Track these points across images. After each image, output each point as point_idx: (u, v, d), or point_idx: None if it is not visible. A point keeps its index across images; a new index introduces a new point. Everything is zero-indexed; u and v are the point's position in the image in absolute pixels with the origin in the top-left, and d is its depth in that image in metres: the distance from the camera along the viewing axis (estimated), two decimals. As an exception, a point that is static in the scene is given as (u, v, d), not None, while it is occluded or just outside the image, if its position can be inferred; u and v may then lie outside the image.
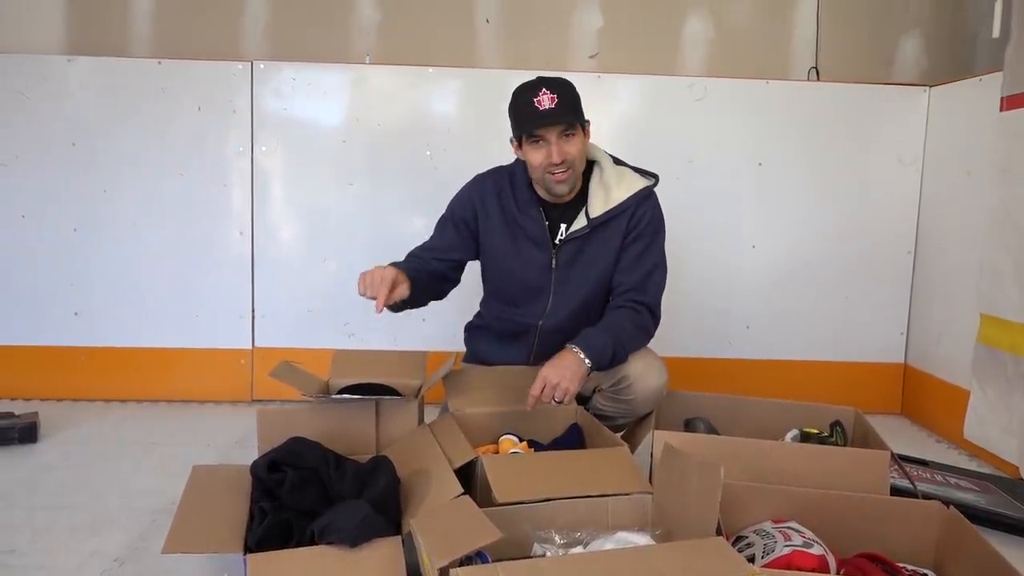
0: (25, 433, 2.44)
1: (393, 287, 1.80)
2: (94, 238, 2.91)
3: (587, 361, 1.88)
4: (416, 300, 1.95)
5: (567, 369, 1.86)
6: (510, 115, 1.96)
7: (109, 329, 2.95)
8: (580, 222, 2.03)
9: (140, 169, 2.90)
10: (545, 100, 1.87)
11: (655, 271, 2.05)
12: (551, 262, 2.05)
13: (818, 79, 3.20)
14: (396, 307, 1.92)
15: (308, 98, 2.93)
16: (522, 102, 1.91)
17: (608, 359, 1.93)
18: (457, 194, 2.17)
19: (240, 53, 3.10)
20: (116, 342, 2.95)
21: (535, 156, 1.94)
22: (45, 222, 2.90)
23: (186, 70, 2.89)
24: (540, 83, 1.90)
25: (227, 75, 2.90)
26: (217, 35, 3.12)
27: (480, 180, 2.15)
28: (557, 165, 1.92)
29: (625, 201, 2.01)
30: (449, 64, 3.00)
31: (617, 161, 2.09)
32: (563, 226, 2.05)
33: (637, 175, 2.06)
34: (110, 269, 2.93)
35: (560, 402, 1.85)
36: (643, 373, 2.00)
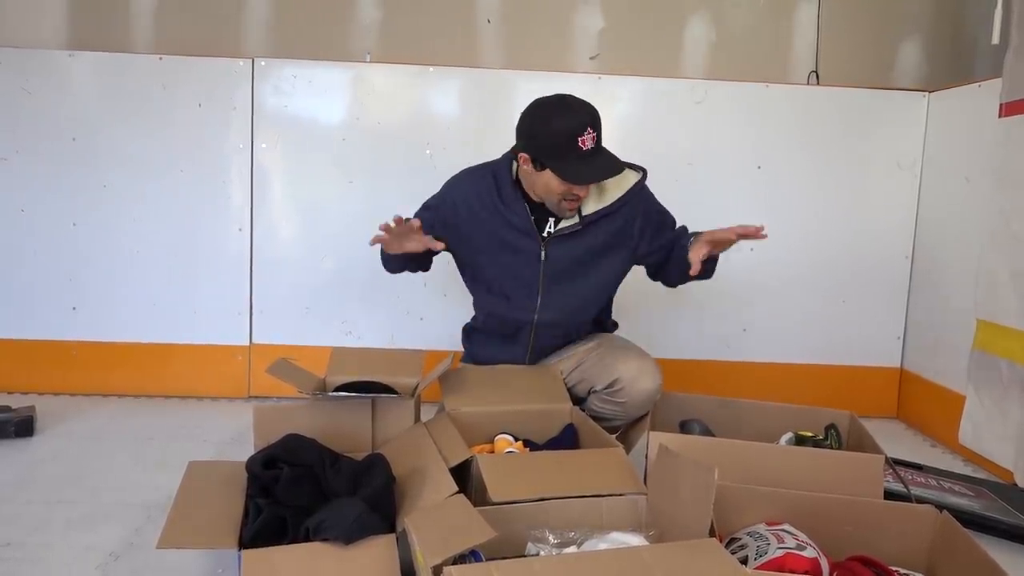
0: (21, 427, 2.44)
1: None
2: (93, 233, 2.91)
3: None
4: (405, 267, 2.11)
5: None
6: (536, 135, 1.93)
7: (107, 324, 2.95)
8: (571, 218, 2.03)
9: (140, 165, 2.90)
10: (588, 140, 1.87)
11: (671, 222, 2.16)
12: (540, 254, 2.05)
13: (818, 83, 3.20)
14: (397, 265, 2.08)
15: (308, 96, 2.93)
16: (565, 133, 1.87)
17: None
18: (441, 191, 2.16)
19: (241, 50, 3.11)
20: (113, 337, 2.95)
21: (556, 185, 1.93)
22: (44, 216, 2.90)
23: (187, 66, 2.89)
24: (586, 119, 1.88)
25: (228, 72, 2.90)
26: (218, 32, 3.13)
27: (463, 178, 2.14)
28: (577, 198, 1.94)
29: (619, 199, 2.03)
30: (449, 64, 3.00)
31: None
32: (551, 219, 2.05)
33: (628, 170, 2.08)
34: (108, 264, 2.93)
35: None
36: (636, 376, 2.01)
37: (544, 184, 1.96)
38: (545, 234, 2.05)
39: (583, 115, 1.89)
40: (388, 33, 3.17)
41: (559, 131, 1.88)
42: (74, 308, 2.94)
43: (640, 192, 2.08)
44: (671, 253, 2.10)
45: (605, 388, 2.04)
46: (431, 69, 2.95)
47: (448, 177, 2.19)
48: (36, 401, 2.69)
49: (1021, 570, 1.43)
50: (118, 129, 2.89)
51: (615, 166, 1.93)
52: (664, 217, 2.14)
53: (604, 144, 1.95)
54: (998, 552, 1.61)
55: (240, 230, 2.95)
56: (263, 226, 2.97)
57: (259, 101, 2.91)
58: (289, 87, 2.92)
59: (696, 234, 2.00)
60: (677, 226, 2.15)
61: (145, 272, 2.94)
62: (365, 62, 3.08)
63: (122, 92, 2.88)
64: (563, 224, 2.04)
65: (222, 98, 2.90)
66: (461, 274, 2.22)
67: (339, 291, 3.00)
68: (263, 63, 2.91)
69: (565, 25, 3.22)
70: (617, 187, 2.04)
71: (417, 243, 1.95)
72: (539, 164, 1.94)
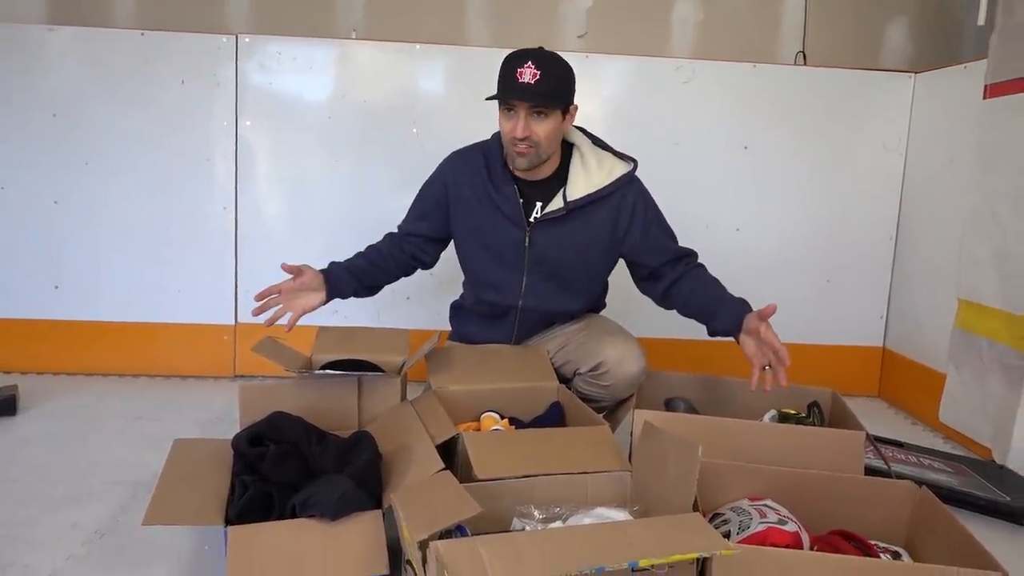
0: (4, 406, 2.43)
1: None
2: (75, 211, 2.88)
3: None
4: (361, 292, 2.19)
5: None
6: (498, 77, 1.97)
7: (89, 302, 2.93)
8: (557, 203, 2.02)
9: (122, 142, 2.86)
10: (527, 73, 1.86)
11: (673, 233, 2.16)
12: (524, 240, 2.05)
13: (805, 64, 3.21)
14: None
15: (294, 73, 2.90)
16: (507, 69, 1.90)
17: None
18: (432, 173, 2.17)
19: (225, 26, 3.07)
20: (97, 316, 2.93)
21: (504, 124, 1.94)
22: (25, 194, 2.86)
23: (170, 42, 2.84)
24: (529, 55, 1.88)
25: (212, 48, 2.86)
26: (202, 7, 3.09)
27: (453, 159, 2.15)
28: (520, 140, 1.91)
29: (606, 187, 2.02)
30: (436, 41, 2.97)
31: (597, 142, 2.09)
32: (539, 204, 2.05)
33: (618, 160, 2.07)
34: (91, 242, 2.90)
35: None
36: (621, 359, 2.02)
37: (502, 129, 1.97)
38: (532, 219, 2.05)
39: (530, 51, 1.91)
40: (374, 10, 3.14)
41: (505, 63, 1.92)
42: (56, 287, 2.91)
43: (631, 184, 2.06)
44: (690, 286, 2.15)
45: (590, 371, 2.05)
46: (417, 47, 2.93)
47: (434, 155, 2.18)
48: (19, 380, 2.66)
49: (997, 543, 1.46)
50: (100, 106, 2.85)
51: (536, 95, 1.87)
52: (661, 222, 2.12)
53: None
54: (975, 526, 1.64)
55: (224, 208, 2.93)
56: (248, 204, 2.94)
57: (243, 78, 2.88)
58: (274, 64, 2.88)
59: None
60: (682, 246, 2.16)
61: (128, 250, 2.91)
62: (351, 39, 3.05)
63: (103, 68, 2.84)
64: (549, 209, 2.03)
65: (206, 75, 2.86)
66: (457, 252, 2.23)
67: (325, 270, 2.98)
68: (247, 39, 2.87)
69: (553, 3, 3.20)
70: (606, 175, 2.03)
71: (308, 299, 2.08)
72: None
